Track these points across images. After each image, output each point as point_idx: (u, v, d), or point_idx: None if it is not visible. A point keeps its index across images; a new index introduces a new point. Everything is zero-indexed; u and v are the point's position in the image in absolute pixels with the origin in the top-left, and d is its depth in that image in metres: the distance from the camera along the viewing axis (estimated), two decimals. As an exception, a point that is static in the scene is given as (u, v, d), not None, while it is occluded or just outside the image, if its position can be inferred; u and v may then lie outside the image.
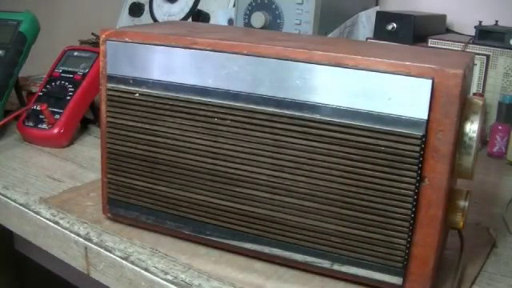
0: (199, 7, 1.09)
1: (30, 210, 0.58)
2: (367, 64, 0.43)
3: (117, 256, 0.50)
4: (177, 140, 0.49)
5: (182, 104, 0.48)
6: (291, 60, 0.45)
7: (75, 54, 0.82)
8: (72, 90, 0.77)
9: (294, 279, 0.48)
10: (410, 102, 0.41)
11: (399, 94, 0.42)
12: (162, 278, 0.47)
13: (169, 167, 0.50)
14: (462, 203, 0.47)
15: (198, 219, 0.50)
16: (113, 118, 0.52)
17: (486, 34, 0.84)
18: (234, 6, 0.98)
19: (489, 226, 0.60)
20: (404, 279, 0.44)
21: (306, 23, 0.90)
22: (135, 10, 1.17)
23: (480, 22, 0.85)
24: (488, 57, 0.83)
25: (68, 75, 0.79)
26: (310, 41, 0.54)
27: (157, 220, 0.52)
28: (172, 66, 0.49)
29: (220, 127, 0.47)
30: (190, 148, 0.49)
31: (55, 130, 0.75)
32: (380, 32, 0.92)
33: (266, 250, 0.48)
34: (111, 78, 0.51)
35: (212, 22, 1.07)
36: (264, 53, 0.46)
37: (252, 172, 0.47)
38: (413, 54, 0.48)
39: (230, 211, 0.49)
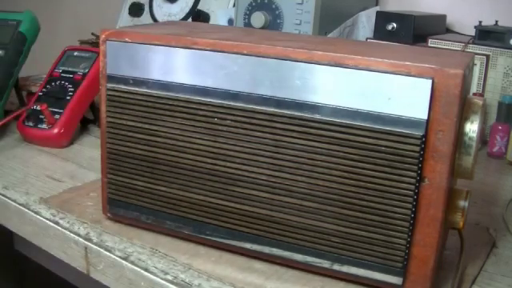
0: (199, 7, 1.09)
1: (30, 209, 0.58)
2: (367, 64, 0.43)
3: (117, 256, 0.50)
4: (177, 140, 0.49)
5: (181, 104, 0.48)
6: (291, 60, 0.45)
7: (75, 54, 0.82)
8: (72, 90, 0.77)
9: (294, 279, 0.48)
10: (409, 102, 0.41)
11: (399, 94, 0.42)
12: (162, 278, 0.47)
13: (169, 167, 0.50)
14: (462, 203, 0.47)
15: (198, 219, 0.50)
16: (113, 117, 0.52)
17: (486, 34, 0.84)
18: (234, 6, 0.98)
19: (489, 226, 0.60)
20: (404, 279, 0.44)
21: (306, 23, 0.90)
22: (135, 10, 1.17)
23: (480, 22, 0.85)
24: (488, 57, 0.83)
25: (68, 75, 0.79)
26: (310, 41, 0.54)
27: (157, 220, 0.52)
28: (172, 66, 0.49)
29: (220, 127, 0.47)
30: (190, 148, 0.49)
31: (55, 130, 0.75)
32: (380, 32, 0.92)
33: (266, 250, 0.48)
34: (111, 78, 0.51)
35: (212, 22, 1.07)
36: (264, 53, 0.46)
37: (252, 172, 0.47)
38: (413, 54, 0.48)
39: (229, 211, 0.49)
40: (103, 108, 0.52)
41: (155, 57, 0.49)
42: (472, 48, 0.84)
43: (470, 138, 0.44)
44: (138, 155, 0.51)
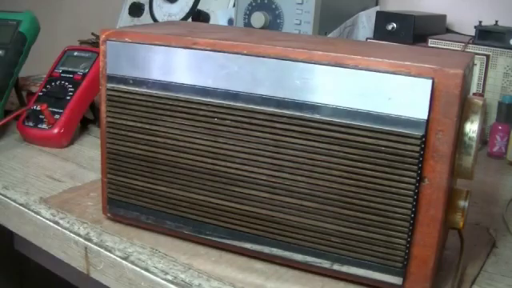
0: (199, 7, 1.09)
1: (30, 209, 0.58)
2: (367, 64, 0.43)
3: (117, 256, 0.50)
4: (177, 140, 0.49)
5: (181, 104, 0.48)
6: (291, 60, 0.45)
7: (75, 54, 0.82)
8: (72, 90, 0.77)
9: (294, 279, 0.48)
10: (410, 102, 0.41)
11: (399, 94, 0.42)
12: (162, 278, 0.47)
13: (169, 167, 0.50)
14: (462, 203, 0.47)
15: (198, 219, 0.50)
16: (113, 117, 0.52)
17: (486, 34, 0.84)
18: (234, 6, 0.98)
19: (489, 226, 0.60)
20: (404, 279, 0.44)
21: (306, 23, 0.90)
22: (135, 10, 1.17)
23: (480, 22, 0.85)
24: (488, 57, 0.83)
25: (68, 75, 0.79)
26: (310, 41, 0.54)
27: (157, 220, 0.52)
28: (172, 66, 0.49)
29: (220, 127, 0.47)
30: (190, 148, 0.49)
31: (55, 130, 0.75)
32: (380, 32, 0.92)
33: (266, 250, 0.48)
34: (111, 78, 0.51)
35: (212, 22, 1.07)
36: (264, 53, 0.46)
37: (252, 172, 0.47)
38: (413, 54, 0.48)
39: (230, 211, 0.49)
40: (103, 108, 0.52)
41: (155, 57, 0.49)
42: (472, 48, 0.84)
43: (470, 138, 0.44)
44: (137, 155, 0.51)
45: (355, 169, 0.43)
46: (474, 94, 0.83)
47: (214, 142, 0.48)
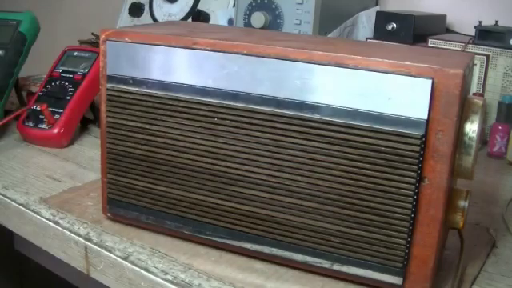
0: (199, 7, 1.09)
1: (30, 209, 0.58)
2: (367, 64, 0.43)
3: (117, 256, 0.50)
4: (177, 140, 0.49)
5: (181, 104, 0.48)
6: (291, 60, 0.45)
7: (75, 54, 0.82)
8: (72, 90, 0.77)
9: (294, 279, 0.48)
10: (409, 102, 0.41)
11: (399, 94, 0.42)
12: (162, 278, 0.47)
13: (169, 167, 0.50)
14: (462, 203, 0.47)
15: (198, 219, 0.50)
16: (113, 117, 0.52)
17: (486, 34, 0.84)
18: (234, 6, 0.98)
19: (489, 226, 0.60)
20: (404, 279, 0.44)
21: (306, 23, 0.90)
22: (135, 10, 1.17)
23: (480, 22, 0.85)
24: (488, 57, 0.83)
25: (68, 75, 0.79)
26: (310, 41, 0.54)
27: (157, 220, 0.52)
28: (172, 65, 0.49)
29: (220, 127, 0.47)
30: (190, 148, 0.49)
31: (55, 130, 0.75)
32: (380, 32, 0.92)
33: (266, 250, 0.48)
34: (111, 78, 0.51)
35: (212, 22, 1.07)
36: (264, 53, 0.46)
37: (252, 172, 0.47)
38: (413, 54, 0.48)
39: (229, 211, 0.49)
40: (103, 108, 0.52)
41: (155, 57, 0.49)
42: (472, 48, 0.84)
43: (470, 138, 0.44)
44: (137, 155, 0.51)
45: (355, 169, 0.43)
46: (474, 93, 0.83)
47: (214, 142, 0.48)
